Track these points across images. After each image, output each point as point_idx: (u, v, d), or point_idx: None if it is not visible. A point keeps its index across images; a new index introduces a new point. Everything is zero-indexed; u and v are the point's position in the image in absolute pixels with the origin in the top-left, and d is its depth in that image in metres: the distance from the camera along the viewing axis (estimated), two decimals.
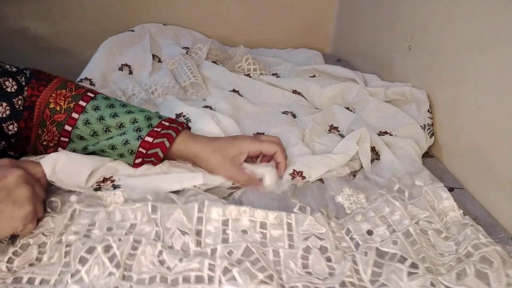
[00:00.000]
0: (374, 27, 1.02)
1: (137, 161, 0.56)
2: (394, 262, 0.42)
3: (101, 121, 0.54)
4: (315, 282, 0.41)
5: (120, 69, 0.90)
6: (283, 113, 0.80)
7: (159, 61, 0.97)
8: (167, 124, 0.56)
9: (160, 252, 0.43)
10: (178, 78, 0.89)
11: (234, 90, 0.87)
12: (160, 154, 0.55)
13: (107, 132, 0.54)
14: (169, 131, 0.55)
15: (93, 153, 0.56)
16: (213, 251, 0.44)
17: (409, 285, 0.39)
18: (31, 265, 0.42)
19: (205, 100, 0.83)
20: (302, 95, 0.88)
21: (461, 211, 0.51)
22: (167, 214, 0.48)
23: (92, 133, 0.55)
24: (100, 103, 0.55)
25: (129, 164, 0.57)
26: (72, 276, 0.39)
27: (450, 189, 0.61)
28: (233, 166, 0.56)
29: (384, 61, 0.95)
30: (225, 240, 0.45)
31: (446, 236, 0.47)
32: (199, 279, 0.40)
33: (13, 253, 0.43)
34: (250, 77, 0.93)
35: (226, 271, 0.40)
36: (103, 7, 1.19)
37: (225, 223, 0.47)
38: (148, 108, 0.75)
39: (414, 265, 0.41)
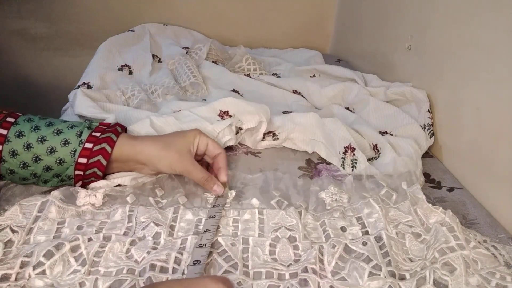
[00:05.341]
0: (374, 27, 1.02)
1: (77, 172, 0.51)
2: (359, 260, 0.42)
3: (29, 149, 0.49)
4: (278, 269, 0.42)
5: (120, 69, 0.90)
6: (283, 113, 0.80)
7: (159, 61, 0.97)
8: (98, 135, 0.51)
9: (128, 250, 0.44)
10: (178, 78, 0.89)
11: (234, 90, 0.87)
12: (103, 161, 0.50)
13: (38, 161, 0.49)
14: (108, 135, 0.51)
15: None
16: (184, 241, 0.45)
17: (367, 285, 0.40)
18: None
19: (205, 100, 0.83)
20: (302, 95, 0.88)
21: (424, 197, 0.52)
22: (144, 212, 0.49)
23: (22, 165, 0.49)
24: (23, 127, 0.49)
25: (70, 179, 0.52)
26: (34, 268, 0.39)
27: (450, 189, 0.61)
28: (189, 161, 0.53)
29: (384, 61, 0.95)
30: (196, 233, 0.47)
31: (424, 239, 0.47)
32: (164, 270, 0.41)
33: None
34: (250, 77, 0.93)
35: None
36: (103, 7, 1.19)
37: (198, 220, 0.49)
38: (148, 109, 0.75)
39: (377, 267, 0.41)
